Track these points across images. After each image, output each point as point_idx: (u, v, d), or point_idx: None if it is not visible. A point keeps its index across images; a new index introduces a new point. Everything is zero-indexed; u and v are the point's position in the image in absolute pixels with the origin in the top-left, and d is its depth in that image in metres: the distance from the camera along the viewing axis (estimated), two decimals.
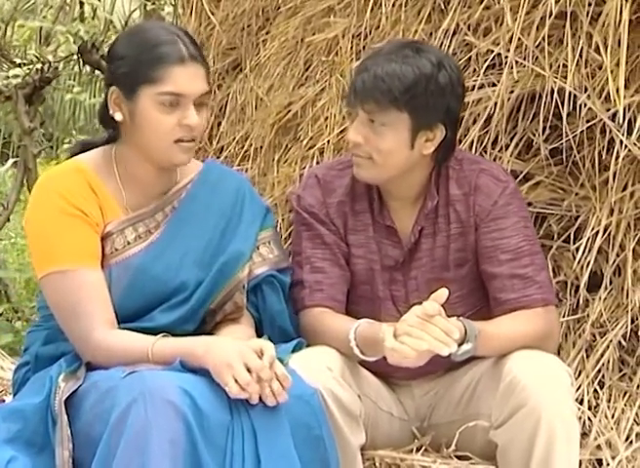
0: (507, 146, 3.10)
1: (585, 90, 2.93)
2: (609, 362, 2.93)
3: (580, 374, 2.90)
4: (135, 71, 2.52)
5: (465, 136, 3.06)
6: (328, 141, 3.35)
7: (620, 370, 2.96)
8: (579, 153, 3.05)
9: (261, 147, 3.62)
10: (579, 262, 2.98)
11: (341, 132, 3.32)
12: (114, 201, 2.60)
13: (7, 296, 5.74)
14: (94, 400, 2.35)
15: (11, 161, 7.65)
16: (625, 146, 2.89)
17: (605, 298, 2.97)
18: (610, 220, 2.96)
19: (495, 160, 3.06)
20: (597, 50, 2.89)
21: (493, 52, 3.04)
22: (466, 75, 3.01)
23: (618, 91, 2.81)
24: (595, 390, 2.91)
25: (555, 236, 3.08)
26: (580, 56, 2.93)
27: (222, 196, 2.69)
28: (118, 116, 2.57)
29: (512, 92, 3.03)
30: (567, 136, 2.99)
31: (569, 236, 3.06)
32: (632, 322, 2.94)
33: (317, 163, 3.33)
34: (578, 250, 2.98)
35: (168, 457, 2.20)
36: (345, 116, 3.24)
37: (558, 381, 2.49)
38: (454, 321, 2.45)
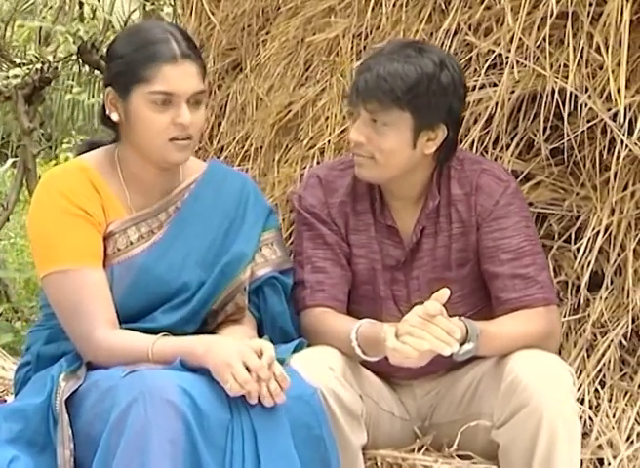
0: (508, 146, 3.10)
1: (586, 90, 2.94)
2: (610, 361, 2.93)
3: (580, 374, 2.90)
4: (128, 71, 2.52)
5: (466, 135, 3.06)
6: (328, 141, 3.35)
7: (621, 370, 2.96)
8: (579, 153, 3.06)
9: (262, 147, 3.62)
10: (579, 262, 2.98)
11: (342, 132, 3.32)
12: (117, 201, 2.60)
13: (7, 296, 5.75)
14: (94, 399, 2.36)
15: (10, 161, 7.65)
16: (626, 146, 2.89)
17: (606, 298, 2.97)
18: (611, 220, 2.96)
19: (495, 160, 3.06)
20: (598, 50, 2.89)
21: (494, 52, 3.05)
22: (467, 75, 3.01)
23: (618, 91, 2.81)
24: (596, 390, 2.91)
25: (556, 236, 3.08)
26: (581, 56, 2.93)
27: (226, 196, 2.69)
28: (114, 116, 2.58)
29: (513, 92, 3.03)
30: (568, 135, 3.00)
31: (570, 236, 3.06)
32: (633, 321, 2.94)
33: (318, 163, 3.33)
34: (578, 249, 2.98)
35: (168, 457, 2.20)
36: (346, 116, 3.24)
37: (560, 381, 2.49)
38: (455, 321, 2.44)
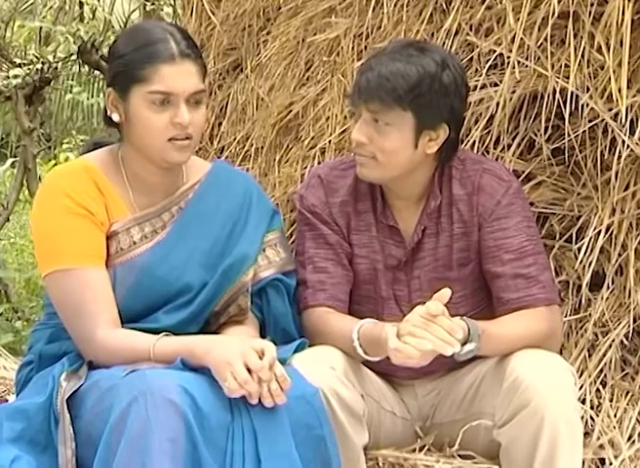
0: (509, 146, 3.10)
1: (587, 90, 2.94)
2: (611, 361, 2.92)
3: (582, 374, 2.90)
4: (127, 71, 2.52)
5: (467, 135, 3.06)
6: (329, 141, 3.35)
7: (623, 370, 2.95)
8: (580, 153, 3.05)
9: (262, 147, 3.62)
10: (581, 262, 2.98)
11: (343, 132, 3.32)
12: (121, 200, 2.59)
13: (7, 296, 5.76)
14: (95, 398, 2.36)
15: (9, 161, 7.65)
16: (627, 146, 2.89)
17: (607, 298, 2.97)
18: (612, 220, 2.96)
19: (497, 160, 3.06)
20: (599, 50, 2.89)
21: (495, 52, 3.05)
22: (468, 75, 3.00)
23: (620, 91, 2.81)
24: (597, 389, 2.91)
25: (557, 236, 3.08)
26: (583, 56, 2.93)
27: (230, 197, 2.68)
28: (115, 117, 2.58)
29: (514, 92, 3.03)
30: (569, 135, 3.00)
31: (571, 236, 3.06)
32: (634, 321, 2.94)
33: (318, 163, 3.33)
34: (580, 249, 2.98)
35: (168, 456, 2.20)
36: (347, 116, 3.24)
37: (562, 380, 2.49)
38: (457, 320, 2.44)
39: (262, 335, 2.66)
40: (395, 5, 3.23)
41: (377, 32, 3.30)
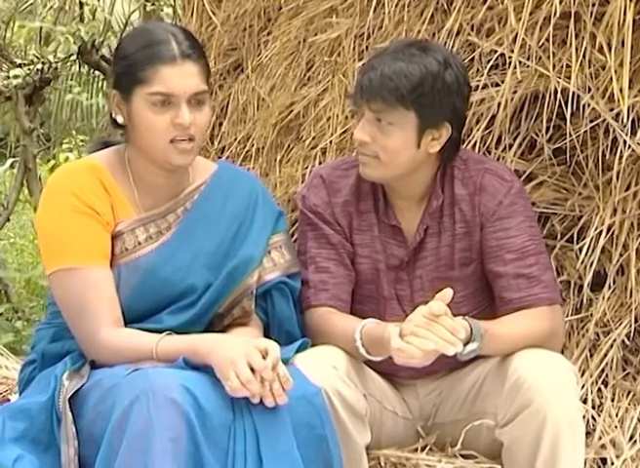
0: (511, 146, 3.10)
1: (589, 90, 2.94)
2: (612, 361, 2.93)
3: (583, 374, 2.90)
4: (129, 72, 2.52)
5: (469, 135, 3.06)
6: (330, 141, 3.35)
7: (624, 370, 2.96)
8: (582, 153, 3.05)
9: (263, 147, 3.62)
10: (582, 262, 2.98)
11: (344, 132, 3.32)
12: (127, 200, 2.59)
13: (7, 296, 5.75)
14: (97, 397, 2.36)
15: (9, 161, 7.65)
16: (629, 146, 2.90)
17: (608, 298, 2.97)
18: (613, 220, 2.96)
19: (498, 160, 3.06)
20: (601, 50, 2.89)
21: (496, 52, 3.05)
22: (470, 75, 3.01)
23: (621, 91, 2.81)
24: (599, 389, 2.91)
25: (558, 236, 3.08)
26: (584, 56, 2.93)
27: (236, 198, 2.68)
28: (119, 119, 2.58)
29: (516, 92, 3.03)
30: (570, 135, 3.00)
31: (572, 236, 3.06)
32: (636, 321, 2.94)
33: (319, 163, 3.33)
34: (581, 249, 2.99)
35: (170, 455, 2.20)
36: (349, 115, 3.24)
37: (564, 380, 2.49)
38: (459, 320, 2.44)
39: (266, 338, 2.65)
40: (396, 5, 3.23)
41: (378, 32, 3.30)
